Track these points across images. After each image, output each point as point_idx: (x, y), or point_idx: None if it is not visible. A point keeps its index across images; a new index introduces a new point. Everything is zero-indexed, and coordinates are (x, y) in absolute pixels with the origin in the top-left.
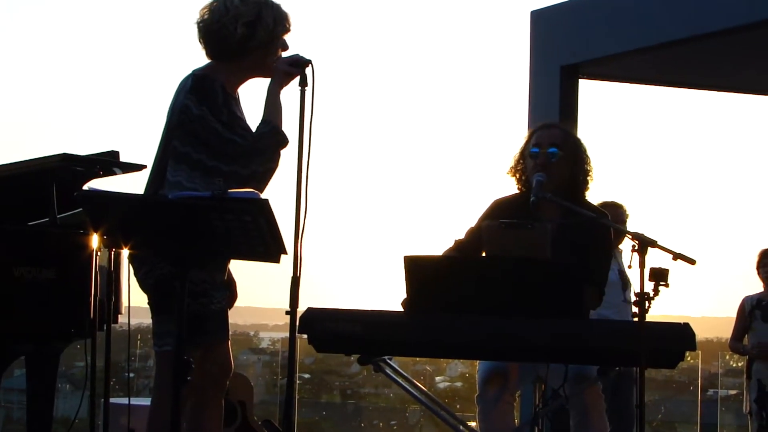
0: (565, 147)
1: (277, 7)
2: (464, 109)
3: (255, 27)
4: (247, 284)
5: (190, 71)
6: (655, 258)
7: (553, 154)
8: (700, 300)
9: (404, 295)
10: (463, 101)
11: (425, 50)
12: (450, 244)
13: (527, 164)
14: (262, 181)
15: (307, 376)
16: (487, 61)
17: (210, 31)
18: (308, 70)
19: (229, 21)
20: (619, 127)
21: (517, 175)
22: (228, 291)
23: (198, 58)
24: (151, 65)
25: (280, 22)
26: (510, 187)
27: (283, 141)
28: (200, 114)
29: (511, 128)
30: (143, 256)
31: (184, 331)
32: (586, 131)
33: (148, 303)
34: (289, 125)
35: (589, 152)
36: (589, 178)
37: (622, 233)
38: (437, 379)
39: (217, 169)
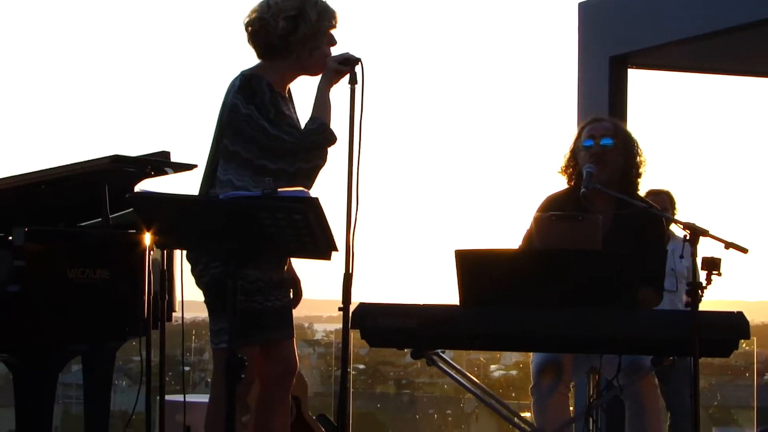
0: (618, 138)
1: (322, 3)
2: (513, 101)
3: (297, 21)
4: (300, 276)
5: (239, 71)
6: (707, 247)
7: (607, 145)
8: (756, 284)
9: (455, 290)
10: (511, 94)
11: (474, 45)
12: (493, 243)
13: (579, 159)
14: (309, 177)
15: (361, 366)
16: (536, 54)
17: (254, 28)
18: (358, 68)
19: (271, 16)
20: (669, 116)
21: (569, 171)
22: (289, 289)
23: (249, 58)
24: (203, 65)
25: (324, 16)
26: (561, 183)
27: (331, 138)
28: (248, 113)
29: (560, 120)
30: (198, 255)
31: (237, 328)
32: (636, 121)
33: (204, 301)
34: (339, 123)
35: (640, 144)
36: (641, 170)
37: (671, 222)
38: (492, 367)
39: (265, 168)
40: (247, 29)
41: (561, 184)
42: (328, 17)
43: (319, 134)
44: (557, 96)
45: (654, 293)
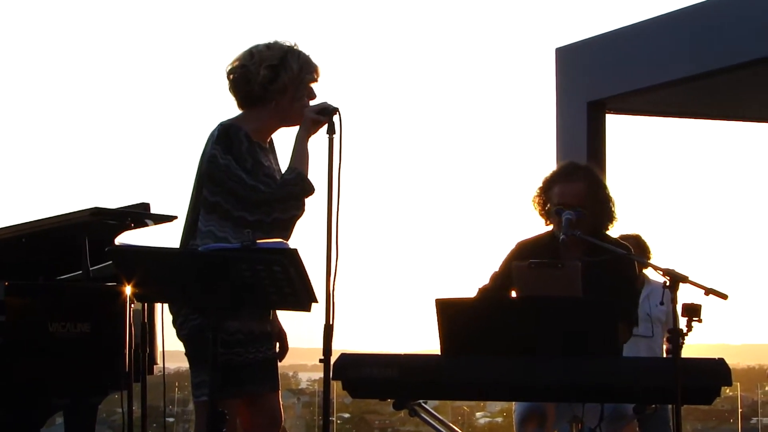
0: (589, 204)
1: (305, 56)
2: (490, 147)
3: (278, 70)
4: (284, 323)
5: (218, 122)
6: (687, 293)
7: (578, 215)
8: (739, 328)
9: (437, 338)
10: (488, 139)
11: (451, 93)
12: (474, 291)
13: (550, 213)
14: (286, 228)
15: (346, 415)
16: (513, 99)
17: (236, 76)
18: (336, 118)
19: (253, 65)
20: (648, 162)
21: (540, 209)
22: (273, 341)
23: (230, 108)
24: (183, 115)
25: (306, 69)
26: (533, 227)
27: (308, 188)
28: (226, 163)
29: (538, 166)
30: (178, 307)
31: (217, 382)
32: (614, 167)
33: (185, 353)
34: (317, 172)
35: (611, 192)
36: (613, 220)
37: (647, 266)
38: (477, 414)
39: (243, 219)
40: (228, 77)
41: (534, 228)
42: (309, 70)
43: (296, 184)
44: (535, 143)
45: (624, 327)
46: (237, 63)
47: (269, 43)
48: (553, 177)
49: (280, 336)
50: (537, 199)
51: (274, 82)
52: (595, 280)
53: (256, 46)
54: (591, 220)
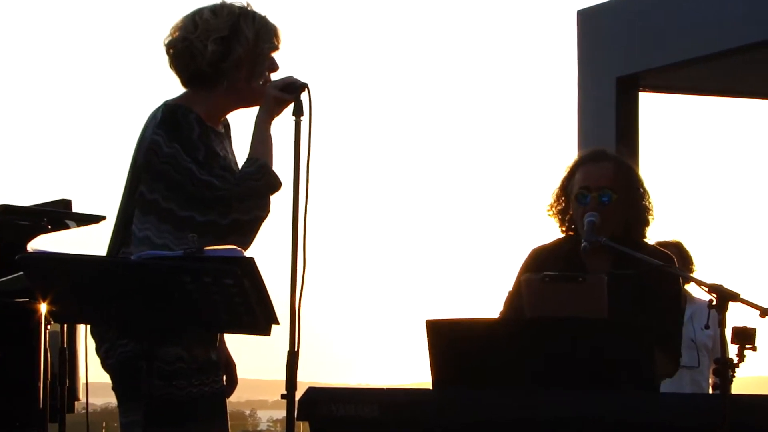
0: (619, 188)
1: (261, 19)
2: (497, 133)
3: (230, 43)
4: (239, 352)
5: (161, 101)
6: (738, 313)
7: (605, 200)
8: None
9: (428, 368)
10: (495, 124)
11: (452, 63)
12: (468, 311)
13: (572, 204)
14: (247, 233)
15: None
16: (524, 73)
17: (178, 52)
18: (304, 96)
19: (197, 38)
20: (689, 148)
21: (560, 215)
22: (220, 372)
23: (174, 83)
24: (114, 93)
25: (264, 36)
26: (552, 232)
27: (273, 183)
28: (171, 152)
29: (555, 157)
30: (103, 331)
31: (153, 421)
32: (648, 155)
33: (113, 387)
34: (283, 163)
35: (647, 184)
36: (649, 216)
37: (689, 281)
38: None
39: (192, 220)
40: (168, 51)
41: (548, 234)
42: (268, 36)
43: (259, 179)
44: (552, 128)
45: (666, 357)
46: (177, 34)
47: (216, 7)
48: (576, 163)
49: (228, 366)
50: (556, 199)
51: (225, 59)
52: (627, 298)
53: (200, 12)
54: (622, 214)
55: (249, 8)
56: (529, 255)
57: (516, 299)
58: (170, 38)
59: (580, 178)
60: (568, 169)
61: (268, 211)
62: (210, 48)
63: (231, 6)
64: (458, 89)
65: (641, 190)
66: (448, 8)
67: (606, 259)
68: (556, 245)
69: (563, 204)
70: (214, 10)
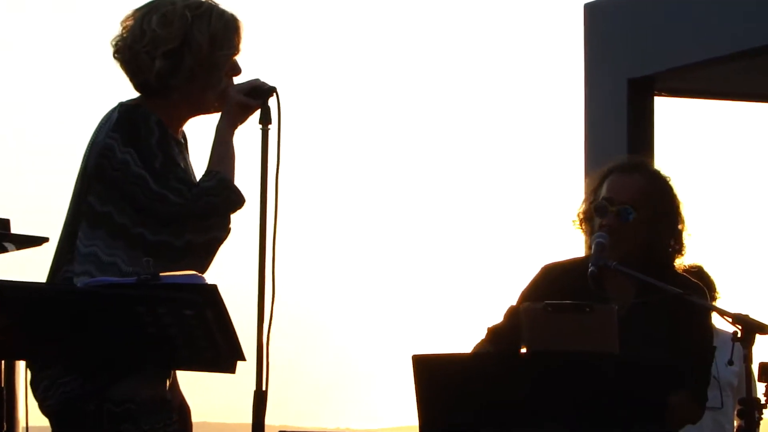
0: (645, 207)
1: (218, 19)
2: (495, 137)
3: (180, 57)
4: (199, 391)
5: (117, 102)
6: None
7: (625, 216)
8: None
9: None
10: (493, 126)
11: (443, 57)
12: (482, 333)
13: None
14: (203, 255)
15: None
16: (525, 72)
17: (124, 60)
18: (272, 101)
19: (144, 50)
20: (706, 157)
21: (585, 227)
22: (173, 414)
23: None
24: (61, 94)
25: (221, 42)
26: (559, 245)
27: (235, 200)
28: (125, 158)
29: (560, 170)
30: (41, 367)
31: None
32: (663, 165)
33: None
34: (247, 177)
35: (681, 203)
36: (680, 245)
37: (716, 312)
38: None
39: (142, 239)
40: (114, 56)
41: (555, 247)
42: (227, 41)
43: (219, 194)
44: (557, 134)
45: (691, 401)
46: (123, 41)
47: (167, 10)
48: (606, 171)
49: (182, 410)
50: (584, 209)
51: (175, 74)
52: (650, 330)
53: (149, 18)
54: (643, 236)
55: (207, 5)
56: (540, 271)
57: (516, 317)
58: (117, 41)
59: (606, 187)
60: (598, 178)
61: (228, 231)
62: (158, 63)
63: (184, 10)
64: (453, 90)
65: (676, 213)
66: (444, 1)
67: (631, 285)
68: (573, 264)
69: (590, 214)
70: (165, 15)
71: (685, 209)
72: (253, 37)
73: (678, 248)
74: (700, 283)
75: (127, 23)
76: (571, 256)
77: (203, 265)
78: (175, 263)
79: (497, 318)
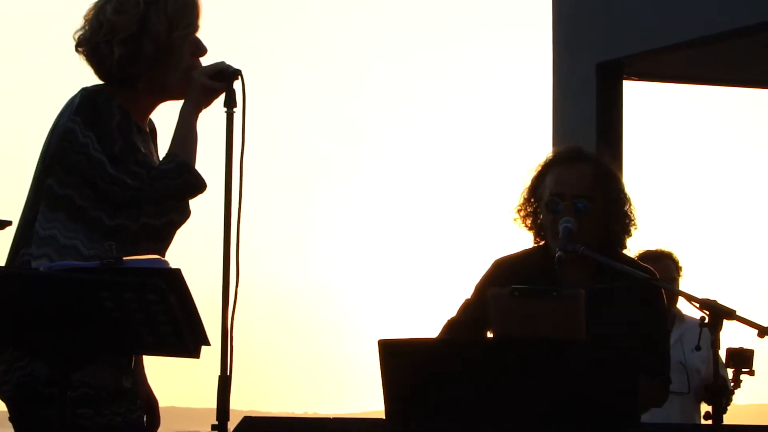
0: (597, 194)
1: (173, 1)
2: (462, 124)
3: (139, 42)
4: (164, 377)
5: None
6: (733, 333)
7: (580, 209)
8: None
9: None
10: (460, 114)
11: (409, 42)
12: (440, 325)
13: (542, 211)
14: (160, 239)
15: None
16: (492, 56)
17: (86, 53)
18: (237, 85)
19: (103, 39)
20: (676, 141)
21: (528, 220)
22: (137, 401)
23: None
24: (26, 79)
25: (179, 22)
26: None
27: (194, 183)
28: (85, 142)
29: (527, 155)
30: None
31: None
32: (632, 150)
33: (9, 418)
34: (211, 161)
35: (628, 189)
36: (631, 225)
37: (676, 296)
38: None
39: (99, 223)
40: (76, 50)
41: (513, 235)
42: (185, 20)
43: (177, 177)
44: (523, 119)
45: (657, 386)
46: (82, 34)
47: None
48: (547, 162)
49: (149, 403)
50: (524, 203)
51: (135, 61)
52: (608, 316)
53: (104, 9)
54: (600, 223)
55: None
56: (491, 266)
57: (475, 310)
58: (77, 35)
59: (551, 182)
60: (539, 169)
61: (187, 215)
62: (117, 51)
63: None
64: (418, 75)
65: (623, 195)
66: None
67: (584, 272)
68: (525, 256)
69: (533, 208)
70: (119, 2)
71: (628, 187)
72: (217, 20)
73: (629, 230)
74: (650, 268)
75: (87, 17)
76: (523, 248)
77: (161, 248)
78: (133, 246)
79: (453, 311)
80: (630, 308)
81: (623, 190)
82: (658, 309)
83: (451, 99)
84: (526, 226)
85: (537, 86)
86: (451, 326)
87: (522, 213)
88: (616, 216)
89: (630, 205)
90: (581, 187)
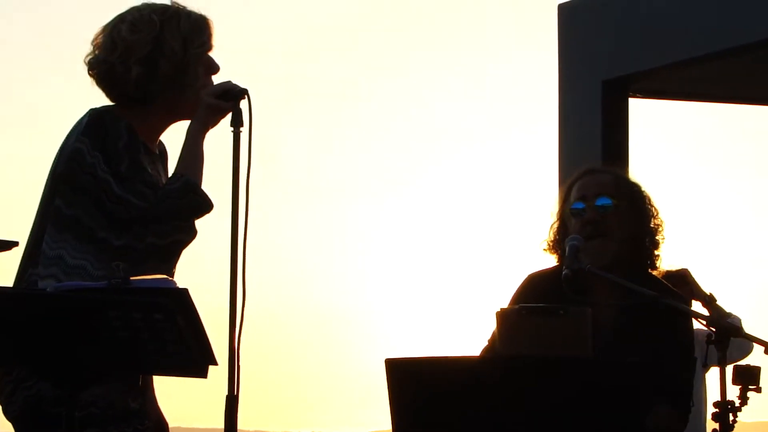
0: (620, 195)
1: (188, 20)
2: (467, 140)
3: (155, 61)
4: (171, 397)
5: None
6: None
7: (605, 208)
8: None
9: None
10: (465, 129)
11: (415, 58)
12: (460, 343)
13: (570, 228)
14: (166, 259)
15: None
16: (498, 73)
17: (100, 75)
18: (244, 104)
19: (118, 60)
20: (683, 160)
21: (558, 250)
22: (146, 422)
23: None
24: (31, 98)
25: (193, 41)
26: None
27: (200, 203)
28: (93, 162)
29: (535, 172)
30: (5, 372)
31: None
32: (639, 168)
33: None
34: (219, 180)
35: (654, 201)
36: (658, 238)
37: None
38: None
39: (106, 243)
40: (89, 73)
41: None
42: (198, 40)
43: (183, 197)
44: (530, 136)
45: (674, 414)
46: (97, 55)
47: (135, 18)
48: (570, 182)
49: (159, 425)
50: (554, 233)
51: (152, 79)
52: (631, 335)
53: (118, 28)
54: (628, 225)
55: (173, 8)
56: (524, 281)
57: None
58: (90, 57)
59: (574, 192)
60: (565, 189)
61: (193, 234)
62: (134, 71)
63: (151, 15)
64: (428, 90)
65: (648, 202)
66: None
67: (613, 290)
68: (557, 271)
69: (562, 232)
70: (133, 23)
71: (655, 204)
72: (225, 40)
73: (656, 244)
74: (678, 291)
75: (98, 40)
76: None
77: (167, 268)
78: (139, 266)
79: (487, 327)
80: (654, 329)
81: (649, 200)
82: (680, 332)
83: (459, 115)
84: (557, 253)
85: (543, 104)
86: (493, 342)
87: (552, 241)
88: (643, 225)
89: (657, 215)
90: (603, 187)
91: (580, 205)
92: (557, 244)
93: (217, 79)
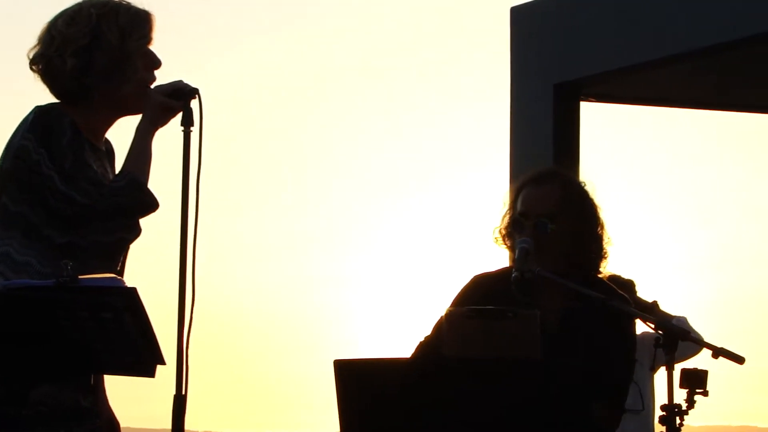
0: (562, 216)
1: (127, 12)
2: (419, 141)
3: (90, 53)
4: (119, 397)
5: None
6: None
7: (543, 228)
8: (745, 404)
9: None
10: (417, 131)
11: (369, 60)
12: (413, 346)
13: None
14: (109, 256)
15: None
16: (450, 76)
17: (40, 71)
18: (194, 104)
19: (56, 53)
20: (634, 164)
21: (508, 243)
22: (96, 422)
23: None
24: None
25: (132, 32)
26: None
27: (145, 201)
28: (38, 159)
29: (485, 175)
30: None
31: None
32: (589, 173)
33: None
34: (167, 179)
35: (601, 211)
36: (605, 246)
37: (639, 318)
38: None
39: (51, 241)
40: (31, 68)
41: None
42: (138, 32)
43: (128, 194)
44: (481, 140)
45: (611, 413)
46: (37, 50)
47: (73, 12)
48: (521, 183)
49: (111, 424)
50: (504, 227)
51: (88, 72)
52: (573, 337)
53: (55, 22)
54: (564, 246)
55: (113, 2)
56: (470, 282)
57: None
58: (32, 54)
59: (520, 202)
60: (514, 190)
61: (137, 233)
62: (69, 63)
63: (89, 9)
64: (378, 90)
65: (595, 218)
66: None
67: (559, 293)
68: (503, 273)
69: (511, 228)
70: (71, 16)
71: (603, 213)
72: (174, 36)
73: (601, 253)
74: (625, 295)
75: (39, 37)
76: (500, 267)
77: (111, 266)
78: (83, 264)
79: (427, 329)
80: (598, 331)
81: (596, 213)
82: (623, 335)
83: (410, 115)
84: (507, 245)
85: (494, 106)
86: (424, 347)
87: (502, 233)
88: (585, 238)
89: (602, 228)
90: (546, 206)
91: (520, 222)
92: (508, 238)
93: (169, 77)
